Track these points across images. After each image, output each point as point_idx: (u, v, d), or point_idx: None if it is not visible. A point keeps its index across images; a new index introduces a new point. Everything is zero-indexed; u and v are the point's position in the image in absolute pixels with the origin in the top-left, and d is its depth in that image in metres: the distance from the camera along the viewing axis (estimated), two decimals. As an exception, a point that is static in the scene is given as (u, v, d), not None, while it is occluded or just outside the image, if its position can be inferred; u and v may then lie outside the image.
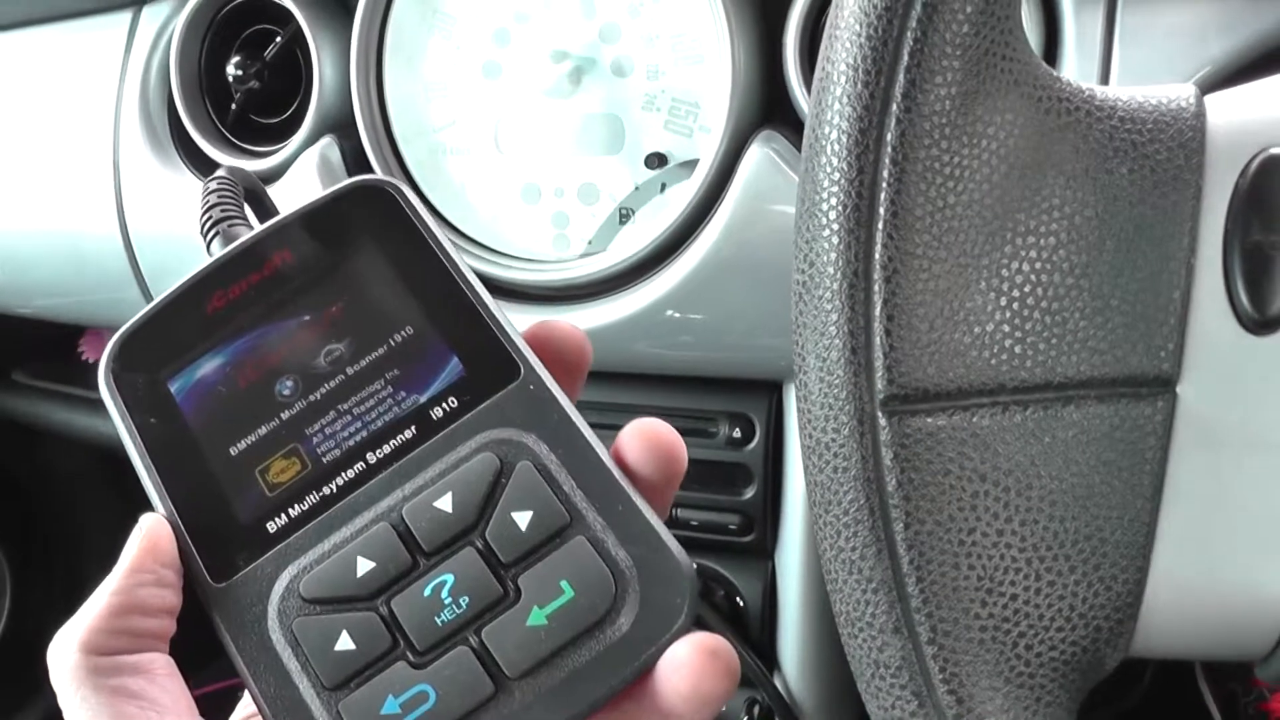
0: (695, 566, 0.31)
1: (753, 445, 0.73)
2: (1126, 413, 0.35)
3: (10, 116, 0.84)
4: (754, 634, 0.76)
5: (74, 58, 0.82)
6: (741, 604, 0.76)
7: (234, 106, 0.78)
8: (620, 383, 0.76)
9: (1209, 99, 0.38)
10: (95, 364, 1.05)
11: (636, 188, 0.72)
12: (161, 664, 0.31)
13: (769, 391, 0.74)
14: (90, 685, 0.30)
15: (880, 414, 0.35)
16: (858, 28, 0.34)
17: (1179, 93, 0.38)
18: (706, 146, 0.68)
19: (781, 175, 0.66)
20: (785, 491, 0.73)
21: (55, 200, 0.83)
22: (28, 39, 0.84)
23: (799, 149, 0.67)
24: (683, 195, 0.68)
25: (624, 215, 0.73)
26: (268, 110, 0.80)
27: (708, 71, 0.70)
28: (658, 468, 0.32)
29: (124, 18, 0.81)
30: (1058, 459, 0.35)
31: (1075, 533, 0.35)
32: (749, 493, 0.73)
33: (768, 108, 0.70)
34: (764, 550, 0.75)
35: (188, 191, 0.78)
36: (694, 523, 0.75)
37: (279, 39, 0.77)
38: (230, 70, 0.77)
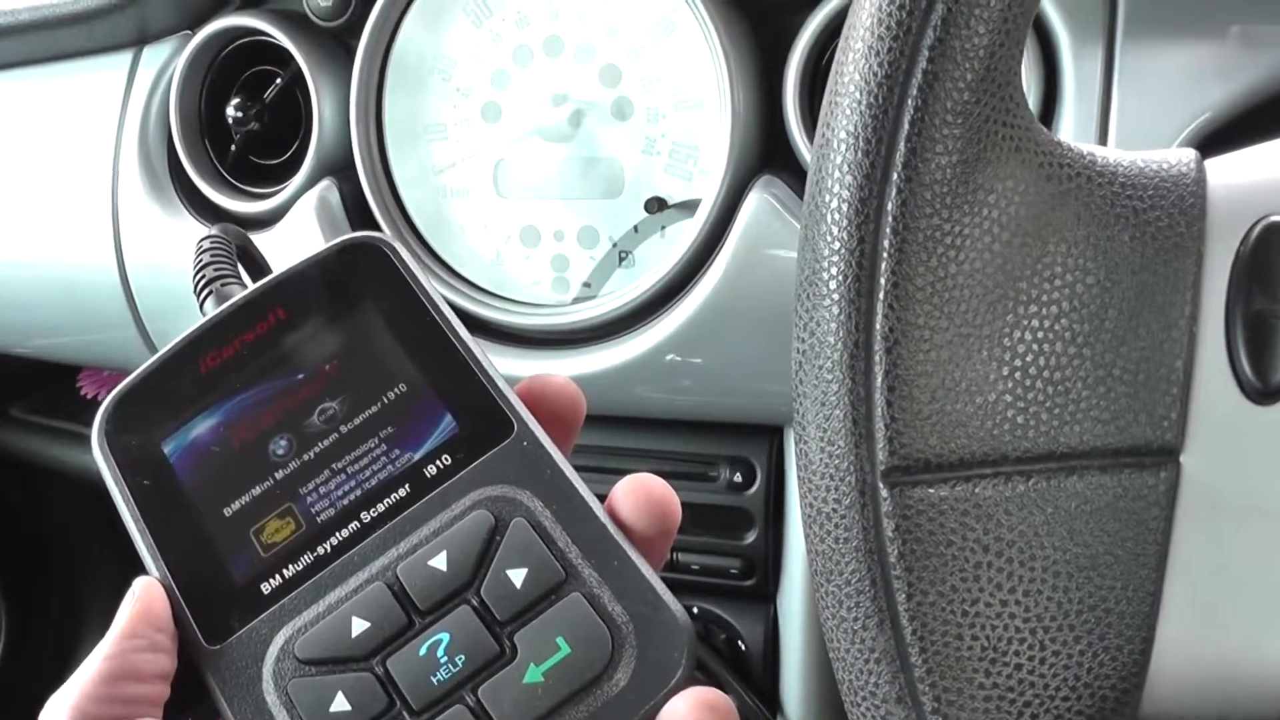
0: (693, 619, 0.31)
1: (754, 489, 0.73)
2: (1130, 483, 0.35)
3: (9, 156, 0.84)
4: (756, 678, 0.76)
5: (74, 98, 0.82)
6: (743, 648, 0.75)
7: (233, 148, 0.78)
8: (619, 427, 0.76)
9: (1209, 163, 0.38)
10: (93, 399, 1.05)
11: (636, 230, 0.72)
12: None
13: (770, 435, 0.74)
14: None
15: (882, 485, 0.35)
16: (858, 95, 0.34)
17: (1179, 157, 0.37)
18: (707, 190, 0.68)
19: (781, 221, 0.66)
20: (787, 535, 0.73)
21: (53, 240, 0.83)
22: (28, 79, 0.84)
23: (798, 194, 0.67)
24: (683, 239, 0.68)
25: (623, 258, 0.73)
26: (267, 152, 0.80)
27: (707, 115, 0.70)
28: (652, 522, 0.32)
29: (125, 58, 0.81)
30: (1061, 529, 0.35)
31: (1080, 602, 0.35)
32: (750, 537, 0.73)
33: (767, 152, 0.70)
34: (766, 594, 0.74)
35: (186, 233, 0.78)
36: (695, 566, 0.75)
37: (279, 80, 0.77)
38: (230, 111, 0.77)
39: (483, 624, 0.31)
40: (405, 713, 0.30)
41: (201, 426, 0.35)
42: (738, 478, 0.73)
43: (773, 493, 0.73)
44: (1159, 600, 0.35)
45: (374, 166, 0.74)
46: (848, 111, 0.34)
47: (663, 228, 0.72)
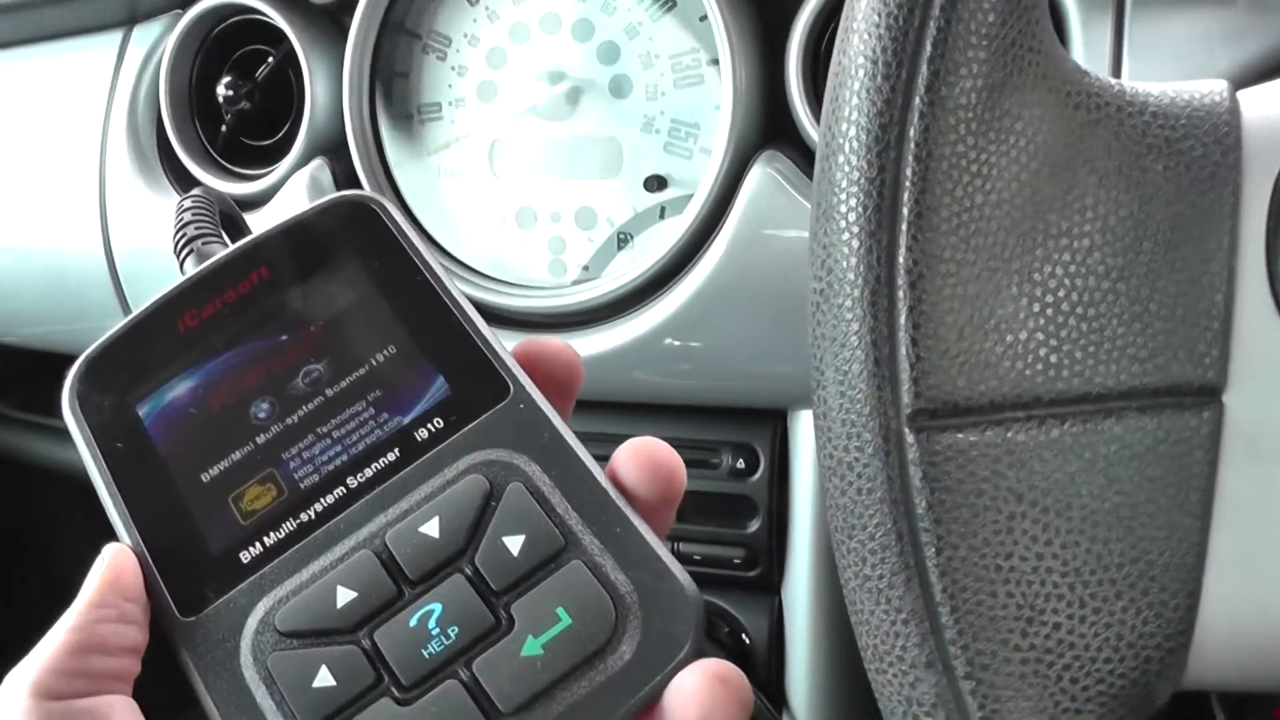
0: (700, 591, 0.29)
1: (757, 476, 0.71)
2: (1171, 425, 0.33)
3: (-3, 135, 0.82)
4: (760, 672, 0.73)
5: (62, 78, 0.80)
6: (747, 641, 0.73)
7: (224, 128, 0.76)
8: (617, 412, 0.74)
9: (1241, 95, 0.36)
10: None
11: (635, 212, 0.70)
12: (120, 707, 0.29)
13: (773, 421, 0.71)
14: None
15: (907, 430, 0.32)
16: (876, 18, 0.32)
17: (1211, 88, 0.35)
18: (707, 168, 0.66)
19: (785, 196, 0.64)
20: (792, 524, 0.71)
21: (39, 226, 0.81)
22: (16, 59, 0.82)
23: (803, 170, 0.65)
24: (682, 219, 0.66)
25: (622, 240, 0.71)
26: (258, 133, 0.78)
27: (707, 92, 0.68)
28: (655, 488, 0.30)
29: (115, 37, 0.79)
30: (1099, 476, 0.33)
31: (1120, 555, 0.33)
32: (753, 525, 0.71)
33: (769, 130, 0.68)
34: (770, 585, 0.72)
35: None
36: (696, 557, 0.72)
37: (271, 59, 0.75)
38: (221, 90, 0.75)
39: (477, 594, 0.29)
40: (394, 688, 0.28)
41: (178, 388, 0.33)
42: (740, 464, 0.71)
43: (776, 479, 0.71)
44: (1205, 552, 0.33)
45: (367, 146, 0.72)
46: (865, 36, 0.32)
47: (662, 208, 0.70)
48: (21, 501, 1.08)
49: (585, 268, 0.71)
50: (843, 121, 0.33)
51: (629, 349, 0.69)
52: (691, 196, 0.67)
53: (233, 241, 0.39)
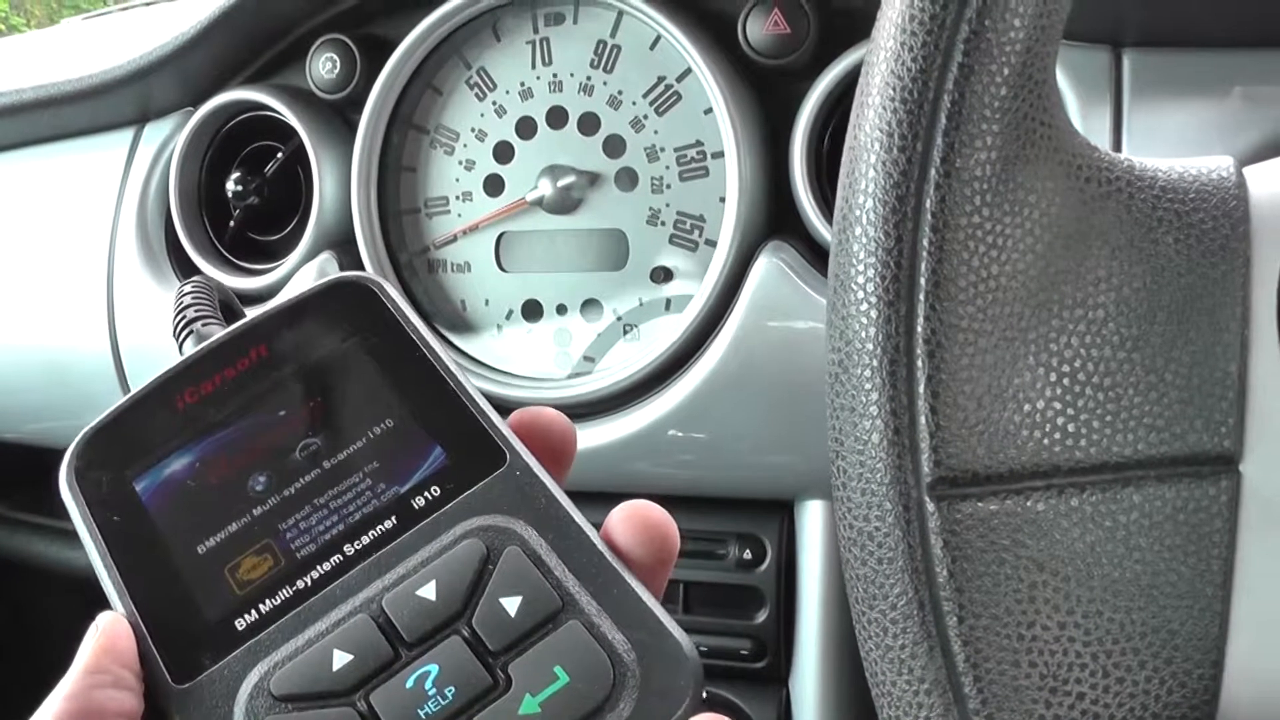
0: (701, 701, 0.29)
1: (764, 567, 0.70)
2: (1189, 494, 0.33)
3: (6, 235, 0.83)
4: (769, 769, 0.72)
5: (74, 176, 0.81)
6: (755, 736, 0.72)
7: (232, 223, 0.77)
8: (609, 504, 0.73)
9: (1246, 171, 0.37)
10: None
11: (641, 303, 0.71)
12: None
13: (779, 511, 0.71)
14: None
15: (928, 499, 0.32)
16: (890, 92, 0.33)
17: (1217, 164, 0.36)
18: (713, 260, 0.67)
19: (791, 286, 0.65)
20: (799, 614, 0.70)
21: (47, 322, 0.81)
22: (29, 159, 0.83)
23: (809, 262, 0.66)
24: (687, 311, 0.67)
25: (628, 331, 0.71)
26: (266, 228, 0.79)
27: (712, 184, 0.69)
28: (649, 550, 0.30)
29: (126, 135, 0.80)
30: (1119, 545, 0.33)
31: (1142, 624, 0.32)
32: (761, 616, 0.70)
33: (774, 223, 0.69)
34: (778, 677, 0.71)
35: (181, 312, 0.76)
36: (704, 648, 0.71)
37: (280, 154, 0.76)
38: (230, 186, 0.76)
39: (474, 654, 0.29)
40: None
41: (176, 463, 0.33)
42: (747, 555, 0.70)
43: (784, 570, 0.70)
44: (1227, 621, 0.33)
45: (374, 240, 0.73)
46: (880, 109, 0.33)
47: (668, 300, 0.71)
48: (15, 604, 1.07)
49: (588, 359, 0.72)
50: (859, 194, 0.34)
51: (632, 440, 0.69)
52: (697, 288, 0.67)
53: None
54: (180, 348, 0.36)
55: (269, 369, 0.34)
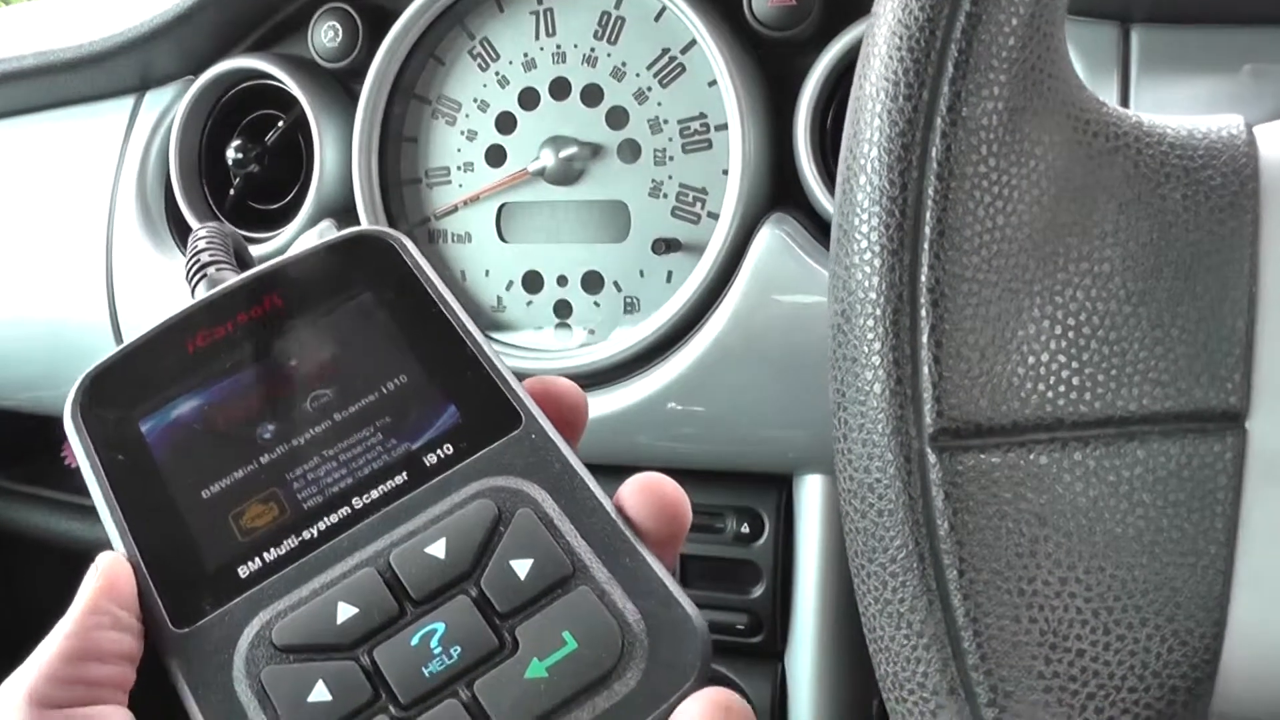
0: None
1: (761, 541, 0.70)
2: (1194, 450, 0.33)
3: (5, 203, 0.82)
4: (763, 746, 0.72)
5: (73, 144, 0.81)
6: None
7: (232, 192, 0.77)
8: (618, 477, 0.73)
9: (1257, 129, 0.36)
10: (77, 469, 1.01)
11: (641, 276, 0.71)
12: (117, 717, 0.28)
13: (778, 485, 0.71)
14: None
15: (929, 450, 0.32)
16: (897, 41, 0.33)
17: (1227, 121, 0.36)
18: (715, 232, 0.66)
19: (794, 259, 0.65)
20: (796, 590, 0.70)
21: (45, 290, 0.81)
22: (29, 125, 0.83)
23: (812, 235, 0.65)
24: (689, 282, 0.67)
25: (629, 304, 0.71)
26: (266, 197, 0.79)
27: (716, 157, 0.69)
28: (662, 523, 0.30)
29: (126, 103, 0.80)
30: (1122, 500, 0.32)
31: (1144, 581, 0.32)
32: (757, 591, 0.70)
33: (777, 195, 0.69)
34: (773, 652, 0.71)
35: (181, 280, 0.76)
36: (700, 624, 0.71)
37: (281, 123, 0.76)
38: (230, 154, 0.76)
39: (481, 615, 0.28)
40: (391, 706, 0.27)
41: (183, 406, 0.33)
42: (744, 529, 0.70)
43: (781, 545, 0.70)
44: (1230, 579, 0.33)
45: (374, 210, 0.73)
46: (886, 59, 0.33)
47: (669, 272, 0.70)
48: (9, 575, 1.07)
49: (591, 331, 0.72)
50: (864, 143, 0.33)
51: (631, 413, 0.69)
52: (698, 261, 0.67)
53: None
54: (193, 291, 0.36)
55: (282, 317, 0.34)
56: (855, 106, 0.34)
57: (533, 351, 0.72)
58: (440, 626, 0.28)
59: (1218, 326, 0.33)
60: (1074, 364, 0.33)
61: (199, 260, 0.37)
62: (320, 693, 0.27)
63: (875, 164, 0.33)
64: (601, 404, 0.69)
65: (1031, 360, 0.32)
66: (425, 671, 0.28)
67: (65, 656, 0.28)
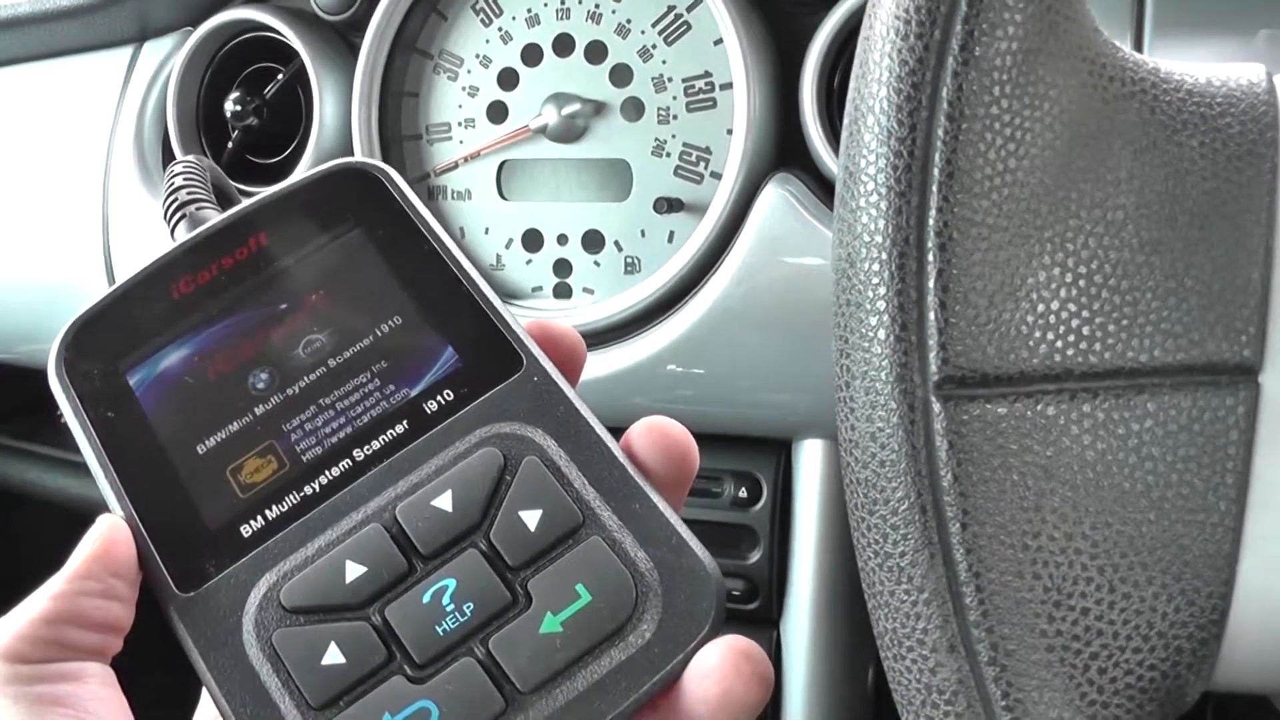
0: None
1: (759, 506, 0.69)
2: (1206, 403, 0.32)
3: (0, 153, 0.82)
4: (758, 713, 0.71)
5: (69, 94, 0.80)
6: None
7: (230, 145, 0.76)
8: (615, 439, 0.72)
9: (1278, 78, 0.35)
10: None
11: (643, 235, 0.70)
12: (96, 671, 0.28)
13: (776, 450, 0.70)
14: (11, 694, 0.26)
15: (934, 398, 0.31)
16: (909, -23, 0.32)
17: (1247, 70, 0.35)
18: (718, 191, 0.65)
19: (798, 219, 0.64)
20: (793, 556, 0.69)
21: (41, 242, 0.80)
22: (24, 75, 0.82)
23: (816, 195, 0.64)
24: (691, 242, 0.66)
25: (630, 264, 0.70)
26: (264, 151, 0.77)
27: (720, 116, 0.68)
28: (670, 467, 0.30)
29: (124, 54, 0.79)
30: (1131, 454, 0.31)
31: (1152, 539, 0.31)
32: (754, 556, 0.69)
33: (782, 156, 0.68)
34: (769, 618, 0.70)
35: (175, 232, 0.75)
36: (697, 589, 0.70)
37: (281, 76, 0.75)
38: (229, 106, 0.75)
39: (493, 570, 0.28)
40: (407, 666, 0.27)
41: (171, 356, 0.31)
42: (742, 493, 0.69)
43: (779, 510, 0.69)
44: (1240, 538, 0.32)
45: (373, 164, 0.72)
46: (897, -4, 0.32)
47: (671, 231, 0.69)
48: (9, 533, 1.06)
49: (589, 290, 0.71)
50: (872, 82, 0.32)
51: (630, 374, 0.68)
52: (701, 221, 0.66)
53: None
54: (172, 232, 0.35)
55: (270, 258, 0.32)
56: (864, 46, 0.33)
57: (531, 311, 0.71)
58: (451, 583, 0.28)
59: (1233, 277, 0.32)
60: (1084, 313, 0.32)
61: (177, 199, 0.36)
62: (334, 655, 0.27)
63: (884, 104, 0.32)
64: (599, 364, 0.68)
65: (1041, 308, 0.31)
66: (439, 630, 0.27)
67: (46, 618, 0.27)
